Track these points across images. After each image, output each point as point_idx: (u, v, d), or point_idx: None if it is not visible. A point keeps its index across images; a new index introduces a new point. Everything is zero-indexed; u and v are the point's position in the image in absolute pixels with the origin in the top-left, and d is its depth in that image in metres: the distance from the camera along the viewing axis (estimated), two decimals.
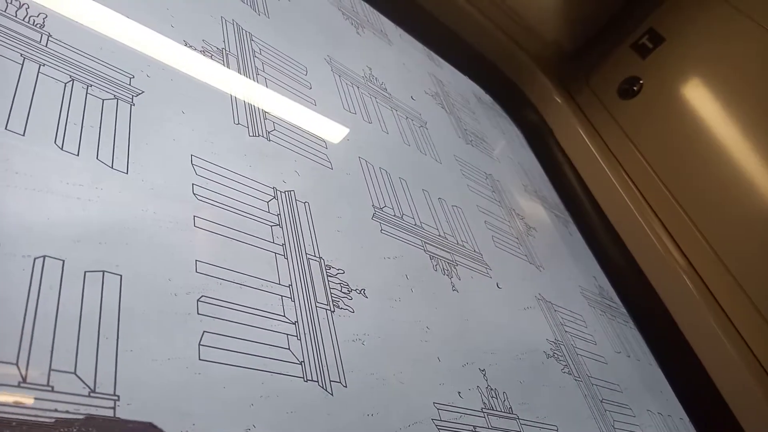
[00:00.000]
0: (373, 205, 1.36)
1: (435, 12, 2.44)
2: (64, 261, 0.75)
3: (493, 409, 1.19)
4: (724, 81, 2.26)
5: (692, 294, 2.03)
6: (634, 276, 2.17)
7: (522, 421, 1.23)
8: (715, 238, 2.10)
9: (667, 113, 2.36)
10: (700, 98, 2.30)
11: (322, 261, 1.11)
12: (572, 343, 1.63)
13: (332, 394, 0.92)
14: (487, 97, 2.66)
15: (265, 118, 1.26)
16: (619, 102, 2.51)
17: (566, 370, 1.51)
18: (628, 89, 2.47)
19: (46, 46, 0.95)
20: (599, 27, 2.70)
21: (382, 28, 2.17)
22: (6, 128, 0.81)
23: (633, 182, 2.36)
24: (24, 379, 0.65)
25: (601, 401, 1.53)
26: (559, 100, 2.60)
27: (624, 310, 2.11)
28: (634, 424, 1.59)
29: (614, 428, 1.49)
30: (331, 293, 1.06)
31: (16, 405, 0.63)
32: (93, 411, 0.67)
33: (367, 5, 2.19)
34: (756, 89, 2.16)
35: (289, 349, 0.92)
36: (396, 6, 2.32)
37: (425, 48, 2.42)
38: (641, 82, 2.45)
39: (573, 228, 2.34)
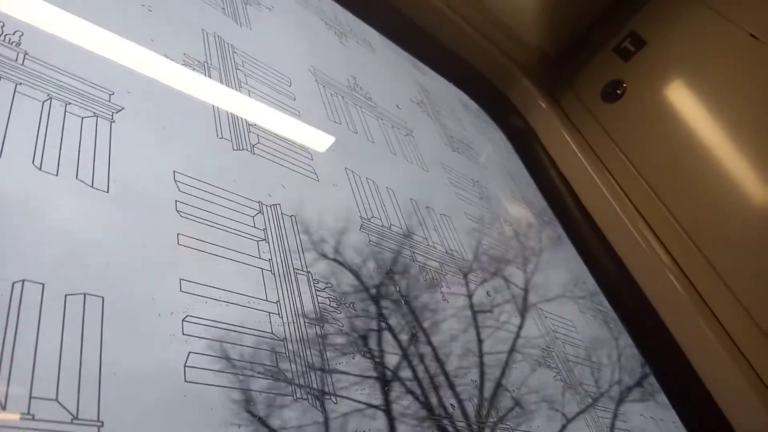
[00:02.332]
0: (360, 216, 1.35)
1: (418, 20, 2.44)
2: (44, 285, 0.73)
3: (486, 419, 1.18)
4: (706, 83, 2.28)
5: (681, 296, 2.03)
6: (622, 279, 2.17)
7: (515, 430, 1.23)
8: (702, 240, 2.11)
9: (651, 116, 2.37)
10: (683, 100, 2.32)
11: (310, 275, 1.09)
12: (563, 349, 1.63)
13: (323, 412, 0.91)
14: (472, 104, 2.66)
15: (249, 131, 1.25)
16: (603, 105, 2.52)
17: (558, 377, 1.50)
18: (612, 93, 2.48)
19: (22, 65, 0.94)
20: (582, 31, 2.72)
21: (365, 36, 2.17)
22: None
23: (619, 185, 2.37)
24: (3, 407, 0.63)
25: (594, 407, 1.52)
26: (543, 105, 2.61)
27: (614, 314, 2.11)
28: (626, 429, 1.58)
29: None
30: (319, 308, 1.05)
31: None
32: None
33: (350, 14, 2.19)
34: (737, 91, 2.18)
35: (277, 367, 0.90)
36: (379, 14, 2.31)
37: (410, 56, 2.41)
38: (624, 85, 2.47)
39: (561, 233, 2.34)
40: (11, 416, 0.63)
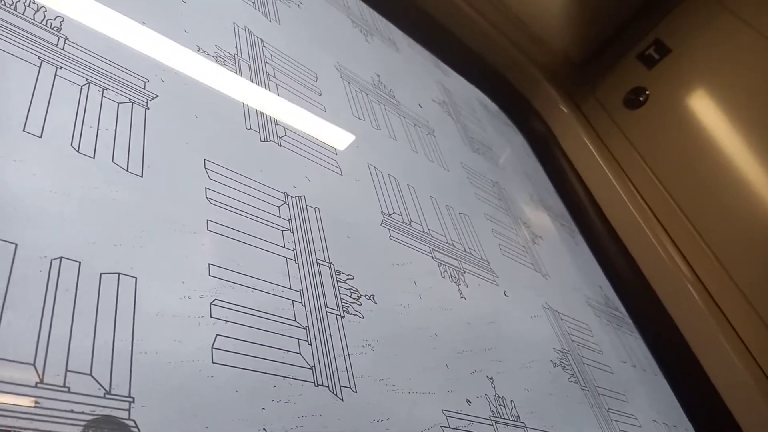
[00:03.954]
0: (381, 212, 1.36)
1: (443, 20, 2.45)
2: (80, 263, 0.75)
3: (501, 417, 1.19)
4: (729, 92, 2.27)
5: (698, 304, 2.03)
6: (639, 286, 2.17)
7: (530, 430, 1.23)
8: (721, 249, 2.10)
9: (673, 124, 2.37)
10: (705, 109, 2.31)
11: (332, 266, 1.11)
12: (579, 352, 1.63)
13: (342, 400, 0.92)
14: (493, 106, 2.67)
15: (276, 124, 1.27)
16: (626, 112, 2.52)
17: (573, 379, 1.50)
18: (635, 100, 2.47)
19: (62, 49, 0.96)
20: (606, 37, 2.72)
21: (390, 36, 2.19)
22: (24, 130, 0.82)
23: (639, 192, 2.36)
24: (41, 380, 0.65)
25: (608, 411, 1.52)
26: (565, 110, 2.61)
27: (629, 320, 2.11)
28: None
29: None
30: (341, 298, 1.07)
31: (34, 405, 0.63)
32: (108, 412, 0.67)
33: (376, 13, 2.21)
34: (761, 100, 2.16)
35: (300, 353, 0.92)
36: (404, 14, 2.33)
37: (433, 56, 2.43)
38: (647, 92, 2.46)
39: (579, 237, 2.34)
40: (48, 388, 0.65)
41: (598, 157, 2.43)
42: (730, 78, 2.30)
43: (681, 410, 1.92)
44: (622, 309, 2.13)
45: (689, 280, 2.07)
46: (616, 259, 2.26)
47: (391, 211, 1.39)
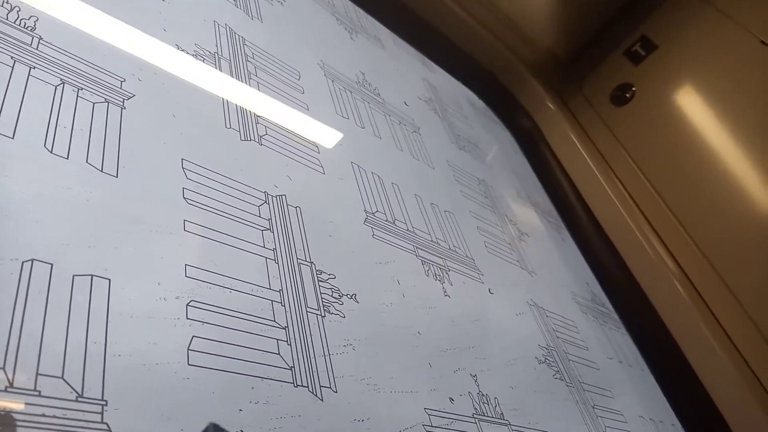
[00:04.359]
0: (365, 210, 1.36)
1: (429, 18, 2.45)
2: (52, 265, 0.74)
3: (484, 415, 1.19)
4: (715, 88, 2.28)
5: (684, 300, 2.04)
6: (626, 282, 2.18)
7: (513, 427, 1.23)
8: (707, 244, 2.11)
9: (659, 120, 2.37)
10: (692, 105, 2.32)
11: (313, 266, 1.10)
12: (564, 348, 1.63)
13: (322, 400, 0.92)
14: (480, 103, 2.67)
15: (257, 122, 1.26)
16: (612, 108, 2.53)
17: (558, 375, 1.51)
18: (621, 96, 2.48)
19: (36, 49, 0.95)
20: (592, 34, 2.72)
21: (375, 33, 2.18)
22: None
23: (625, 188, 2.37)
24: (11, 384, 0.64)
25: (593, 407, 1.53)
26: (552, 107, 2.62)
27: (616, 316, 2.12)
28: (626, 430, 1.59)
29: None
30: (321, 298, 1.06)
31: (3, 410, 0.63)
32: (80, 416, 0.66)
33: (361, 10, 2.20)
34: (747, 96, 2.18)
35: (279, 354, 0.91)
36: (390, 11, 2.33)
37: (419, 53, 2.42)
38: (633, 89, 2.47)
39: (565, 234, 2.34)
40: (18, 392, 0.64)
41: (584, 154, 2.44)
42: (716, 74, 2.31)
43: (668, 405, 1.93)
44: (609, 305, 2.14)
45: (675, 275, 2.08)
46: (603, 255, 2.27)
47: (374, 210, 1.39)
